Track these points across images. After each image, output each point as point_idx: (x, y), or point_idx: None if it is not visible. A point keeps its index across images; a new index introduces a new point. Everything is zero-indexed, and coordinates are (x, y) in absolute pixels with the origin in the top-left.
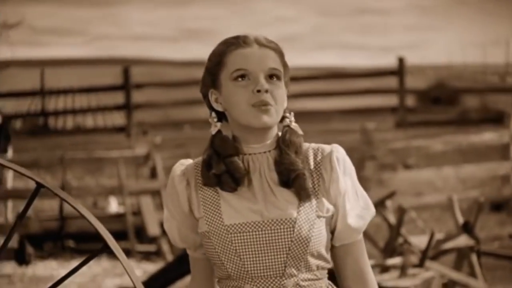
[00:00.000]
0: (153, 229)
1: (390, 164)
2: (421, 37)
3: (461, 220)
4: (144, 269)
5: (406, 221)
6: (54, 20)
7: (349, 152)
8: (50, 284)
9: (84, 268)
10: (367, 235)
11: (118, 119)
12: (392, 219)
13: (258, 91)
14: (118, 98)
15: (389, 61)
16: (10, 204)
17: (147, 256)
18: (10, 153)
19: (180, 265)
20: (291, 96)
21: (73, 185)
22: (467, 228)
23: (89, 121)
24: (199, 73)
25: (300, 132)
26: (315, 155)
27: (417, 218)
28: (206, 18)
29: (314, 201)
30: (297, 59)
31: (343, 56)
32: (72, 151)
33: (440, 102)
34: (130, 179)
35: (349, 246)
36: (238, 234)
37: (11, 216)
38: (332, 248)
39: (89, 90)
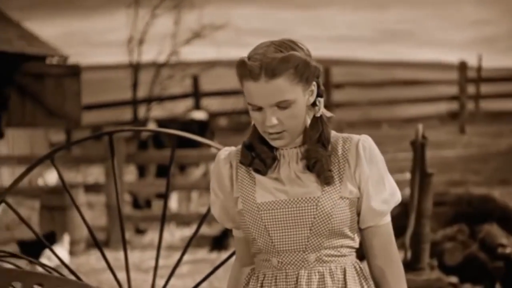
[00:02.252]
0: None
1: None
2: None
3: None
4: None
5: None
6: (259, 22)
7: None
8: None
9: None
10: None
11: None
12: None
13: (268, 125)
14: None
15: None
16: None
17: None
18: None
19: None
20: (491, 96)
21: None
22: None
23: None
24: (398, 74)
25: (328, 114)
26: (344, 143)
27: None
28: (405, 20)
29: (337, 184)
30: (494, 61)
31: None
32: None
33: None
34: None
35: (374, 228)
36: (267, 211)
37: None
38: (360, 230)
39: None
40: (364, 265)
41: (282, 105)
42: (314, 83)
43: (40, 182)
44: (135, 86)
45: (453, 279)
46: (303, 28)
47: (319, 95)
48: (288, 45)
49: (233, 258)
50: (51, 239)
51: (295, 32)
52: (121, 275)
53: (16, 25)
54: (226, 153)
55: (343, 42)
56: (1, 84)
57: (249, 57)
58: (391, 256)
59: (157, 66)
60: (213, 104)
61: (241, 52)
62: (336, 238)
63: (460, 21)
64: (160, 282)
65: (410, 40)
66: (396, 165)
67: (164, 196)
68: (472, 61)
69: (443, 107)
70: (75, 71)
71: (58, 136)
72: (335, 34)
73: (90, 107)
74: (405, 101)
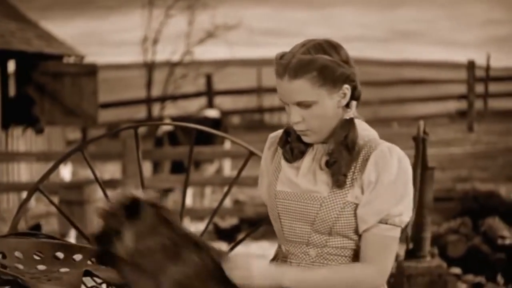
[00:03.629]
0: None
1: None
2: None
3: None
4: None
5: None
6: (270, 22)
7: None
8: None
9: None
10: None
11: None
12: None
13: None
14: None
15: None
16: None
17: None
18: (227, 145)
19: None
20: (500, 95)
21: None
22: None
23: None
24: (408, 73)
25: (361, 119)
26: (368, 149)
27: None
28: (415, 20)
29: (348, 187)
30: (503, 61)
31: None
32: None
33: None
34: None
35: (364, 234)
36: (281, 201)
37: (228, 202)
38: None
39: None
40: None
41: (303, 105)
42: (348, 86)
43: (63, 174)
44: (149, 85)
45: (456, 270)
46: (315, 28)
47: (354, 98)
48: (322, 47)
49: (240, 248)
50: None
51: (307, 32)
52: None
53: (34, 25)
54: (274, 135)
55: (354, 41)
56: (21, 83)
57: (283, 55)
58: (368, 263)
59: (171, 65)
60: (225, 102)
61: (254, 52)
62: (339, 239)
63: (470, 21)
64: None
65: (420, 40)
66: None
67: (183, 191)
68: (481, 61)
69: (452, 106)
70: (92, 70)
71: (75, 134)
72: (346, 33)
73: (105, 106)
74: (415, 100)
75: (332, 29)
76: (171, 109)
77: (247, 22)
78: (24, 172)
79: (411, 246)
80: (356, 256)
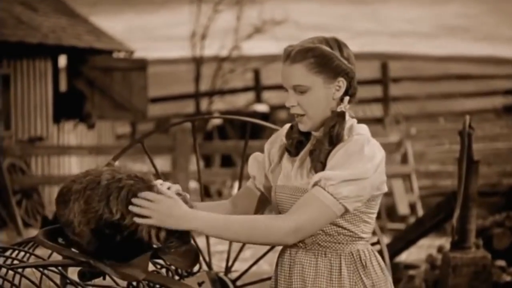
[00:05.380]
0: (403, 209)
1: None
2: None
3: None
4: None
5: None
6: (317, 17)
7: None
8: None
9: None
10: None
11: (375, 110)
12: None
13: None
14: (376, 91)
15: None
16: None
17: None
18: None
19: (418, 227)
20: None
21: None
22: None
23: (349, 112)
24: (454, 68)
25: (349, 114)
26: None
27: None
28: (462, 15)
29: None
30: None
31: None
32: None
33: None
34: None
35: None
36: (279, 194)
37: None
38: None
39: None
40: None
41: (299, 89)
42: (343, 79)
43: None
44: (197, 79)
45: (501, 263)
46: (361, 23)
47: (349, 94)
48: (326, 41)
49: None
50: None
51: (354, 27)
52: None
53: (84, 21)
54: (288, 126)
55: (401, 37)
56: (72, 78)
57: (291, 45)
58: (288, 213)
59: (219, 60)
60: (273, 97)
61: None
62: (329, 226)
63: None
64: (224, 265)
65: (467, 35)
66: (452, 156)
67: (239, 184)
68: None
69: (498, 101)
70: (142, 65)
71: (123, 129)
72: (393, 29)
73: (154, 100)
74: (461, 95)
75: (378, 24)
76: (219, 104)
77: (294, 17)
78: (75, 166)
79: (456, 237)
80: (349, 242)
